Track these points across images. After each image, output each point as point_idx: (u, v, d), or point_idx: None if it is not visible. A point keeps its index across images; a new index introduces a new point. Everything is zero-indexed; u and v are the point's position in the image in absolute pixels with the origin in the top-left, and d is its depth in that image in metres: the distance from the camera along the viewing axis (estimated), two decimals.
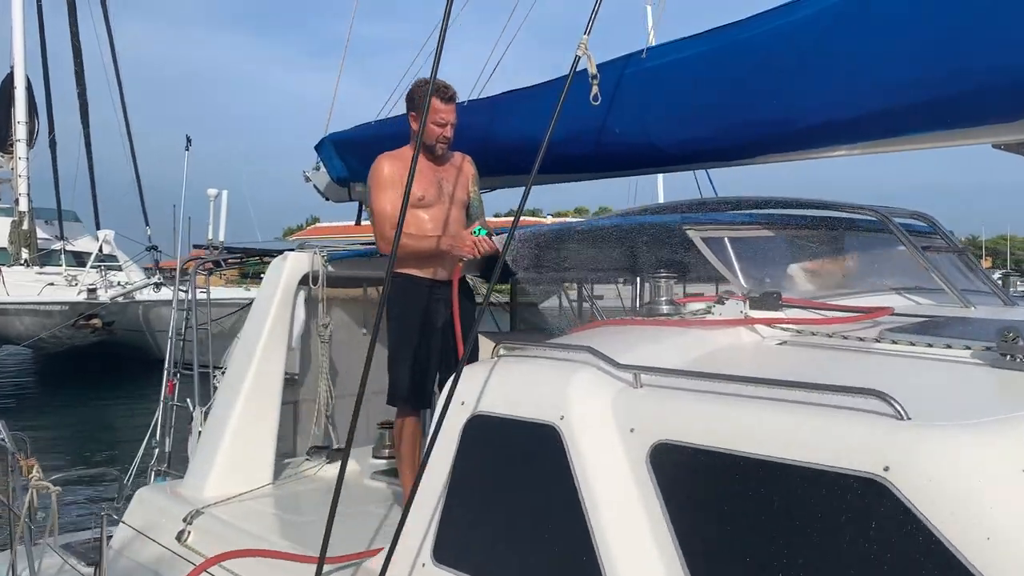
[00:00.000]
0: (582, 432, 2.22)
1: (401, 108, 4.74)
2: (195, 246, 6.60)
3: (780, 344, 2.72)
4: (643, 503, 2.07)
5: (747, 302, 2.83)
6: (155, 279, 18.14)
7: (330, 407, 4.23)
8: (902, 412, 1.71)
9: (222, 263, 6.10)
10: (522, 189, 4.65)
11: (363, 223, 5.18)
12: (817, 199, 4.20)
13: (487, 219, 3.78)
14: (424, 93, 3.39)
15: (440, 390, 3.41)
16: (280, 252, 6.39)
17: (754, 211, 3.77)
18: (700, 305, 3.01)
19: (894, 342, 2.46)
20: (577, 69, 2.83)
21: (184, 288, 6.03)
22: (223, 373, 5.79)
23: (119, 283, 19.25)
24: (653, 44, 3.74)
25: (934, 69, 2.94)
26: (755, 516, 1.86)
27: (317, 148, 4.88)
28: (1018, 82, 2.74)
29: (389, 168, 3.42)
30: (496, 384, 2.51)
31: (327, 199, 5.20)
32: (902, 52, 3.01)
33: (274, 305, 3.99)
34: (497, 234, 3.17)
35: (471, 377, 2.56)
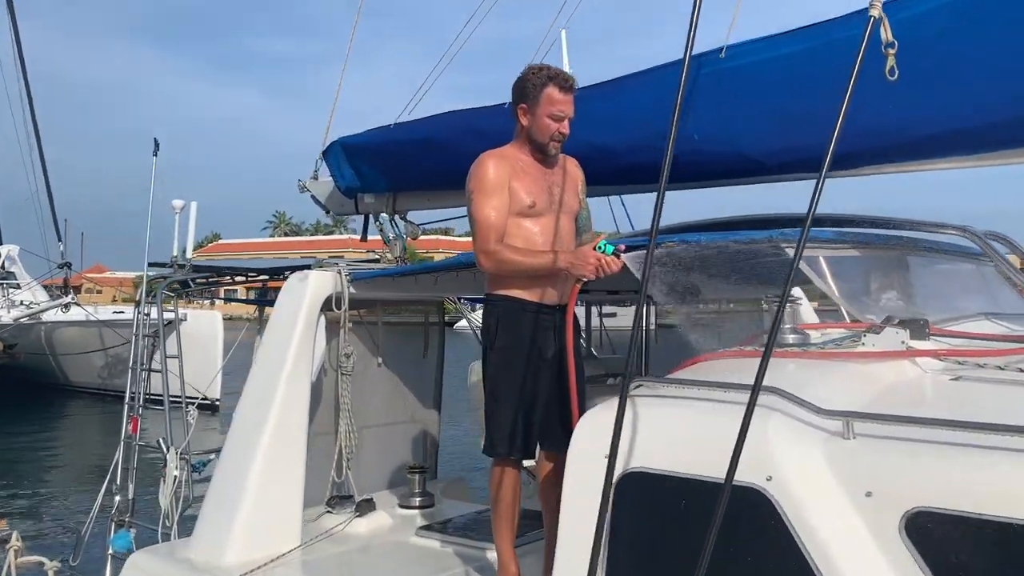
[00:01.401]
0: (803, 497, 1.80)
1: (416, 113, 4.30)
2: (151, 264, 5.89)
3: (955, 379, 2.37)
4: None
5: (908, 331, 2.46)
6: (67, 299, 16.79)
7: (352, 449, 3.67)
8: None
9: (190, 283, 5.45)
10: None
11: (370, 238, 4.65)
12: (896, 217, 3.93)
13: None
14: (539, 81, 2.91)
15: (539, 436, 2.91)
16: (256, 271, 5.77)
17: (840, 229, 3.45)
18: (841, 334, 2.64)
19: None
20: (870, 34, 2.15)
21: (148, 312, 5.34)
22: (196, 407, 5.15)
23: (23, 303, 17.79)
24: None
25: None
26: None
27: (325, 154, 4.32)
28: None
29: (496, 169, 2.89)
30: (650, 433, 2.06)
31: (327, 211, 4.63)
32: None
33: (297, 333, 3.42)
34: (624, 250, 2.71)
35: (605, 423, 2.10)
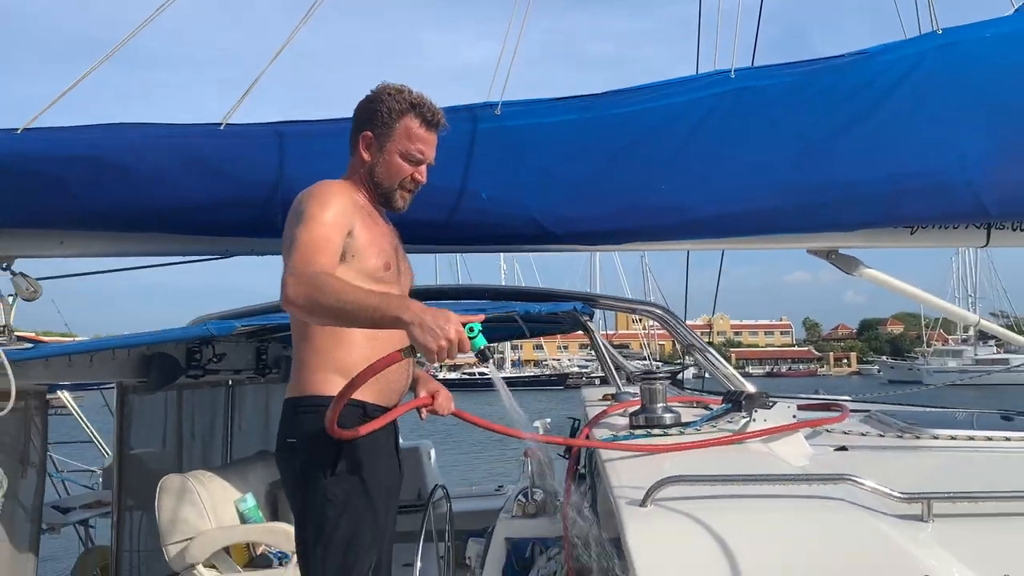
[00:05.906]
0: None
1: (62, 117, 2.94)
2: None
3: (840, 449, 2.48)
4: None
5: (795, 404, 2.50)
6: None
7: None
8: None
9: None
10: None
11: None
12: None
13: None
14: (397, 106, 2.23)
15: None
16: None
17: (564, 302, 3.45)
18: (703, 413, 2.52)
19: (952, 438, 2.47)
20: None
21: None
22: None
23: None
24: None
25: (791, 176, 3.06)
26: None
27: None
28: (867, 195, 3.04)
29: (342, 205, 2.12)
30: (746, 547, 1.64)
31: None
32: (768, 155, 3.09)
33: None
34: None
35: (675, 543, 1.64)
